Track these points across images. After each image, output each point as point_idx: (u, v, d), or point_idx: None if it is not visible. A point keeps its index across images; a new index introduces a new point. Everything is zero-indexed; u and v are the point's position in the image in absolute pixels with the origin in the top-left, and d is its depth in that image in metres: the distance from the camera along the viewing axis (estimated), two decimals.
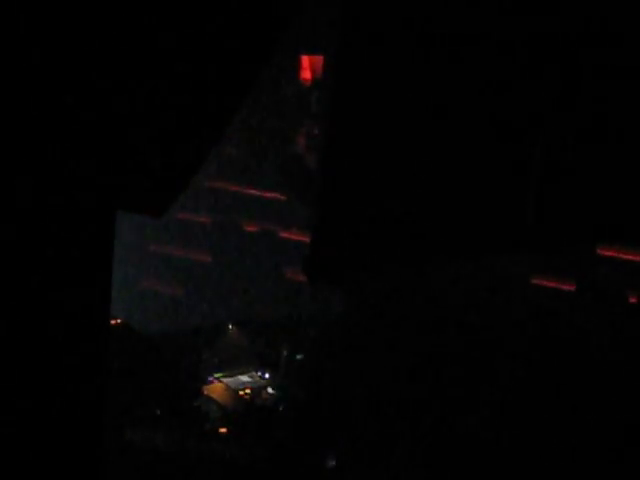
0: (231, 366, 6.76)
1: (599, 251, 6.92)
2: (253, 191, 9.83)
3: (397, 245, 3.47)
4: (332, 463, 5.67)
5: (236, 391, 6.46)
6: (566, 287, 7.14)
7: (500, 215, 3.46)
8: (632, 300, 6.26)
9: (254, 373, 6.75)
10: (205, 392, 6.33)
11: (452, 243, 3.47)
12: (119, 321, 6.25)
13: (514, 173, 3.48)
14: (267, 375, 6.70)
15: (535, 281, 7.23)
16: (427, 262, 4.52)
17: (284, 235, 9.49)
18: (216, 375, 6.64)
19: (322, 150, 3.32)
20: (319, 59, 8.77)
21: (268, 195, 9.64)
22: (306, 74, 9.08)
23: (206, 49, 2.87)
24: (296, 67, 9.32)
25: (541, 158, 3.45)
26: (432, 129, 3.39)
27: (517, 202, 3.47)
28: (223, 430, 5.89)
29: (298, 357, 6.76)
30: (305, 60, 9.02)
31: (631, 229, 3.79)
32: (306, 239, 8.52)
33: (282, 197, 9.31)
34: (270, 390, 6.52)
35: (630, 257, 6.82)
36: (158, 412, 5.86)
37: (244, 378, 6.69)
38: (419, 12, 3.17)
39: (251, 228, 9.73)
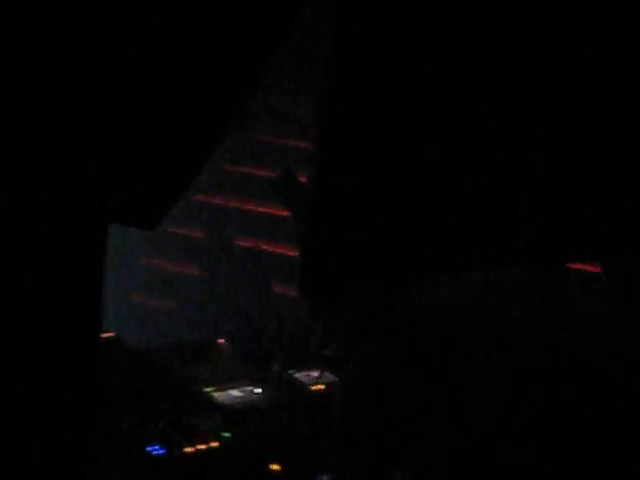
0: (222, 381, 6.73)
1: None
2: (244, 205, 9.82)
3: (389, 260, 3.46)
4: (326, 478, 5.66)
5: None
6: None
7: (496, 229, 3.46)
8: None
9: (245, 388, 6.73)
10: (195, 406, 6.31)
11: (447, 258, 3.46)
12: (109, 335, 6.23)
13: (510, 185, 3.48)
14: (258, 390, 6.68)
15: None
16: (420, 276, 4.52)
17: (275, 250, 9.49)
18: (206, 390, 6.62)
19: (313, 165, 3.31)
20: None
21: (260, 209, 9.64)
22: None
23: (196, 63, 2.86)
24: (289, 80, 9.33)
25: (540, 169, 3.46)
26: (424, 145, 3.38)
27: (514, 216, 3.47)
28: (214, 444, 5.87)
29: (289, 372, 6.76)
30: None
31: (629, 243, 3.80)
32: (296, 254, 8.51)
33: (274, 211, 9.30)
34: (261, 405, 6.51)
35: None
36: (147, 426, 5.85)
37: (235, 393, 6.66)
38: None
39: (242, 242, 9.73)
